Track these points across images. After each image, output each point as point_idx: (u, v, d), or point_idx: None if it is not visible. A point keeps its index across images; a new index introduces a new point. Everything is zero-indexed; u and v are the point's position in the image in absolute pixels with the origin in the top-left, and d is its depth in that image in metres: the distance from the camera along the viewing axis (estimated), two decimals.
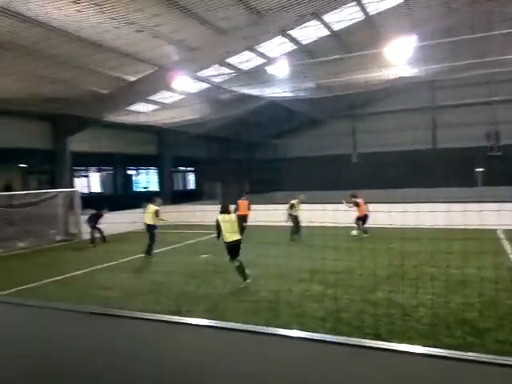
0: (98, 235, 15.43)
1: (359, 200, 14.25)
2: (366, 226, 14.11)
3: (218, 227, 8.67)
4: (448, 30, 14.60)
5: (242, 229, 9.15)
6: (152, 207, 12.55)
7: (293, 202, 14.41)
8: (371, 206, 13.97)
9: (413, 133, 27.43)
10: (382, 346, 3.24)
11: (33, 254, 14.47)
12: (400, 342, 3.50)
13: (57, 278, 10.01)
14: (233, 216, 8.91)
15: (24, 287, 9.27)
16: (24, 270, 11.31)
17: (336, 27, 14.90)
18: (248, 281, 8.31)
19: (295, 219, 14.22)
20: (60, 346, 4.64)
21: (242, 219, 11.84)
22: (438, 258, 8.48)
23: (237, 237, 8.58)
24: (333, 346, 3.33)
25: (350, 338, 3.34)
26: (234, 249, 8.48)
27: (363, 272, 7.86)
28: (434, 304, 6.68)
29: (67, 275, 10.29)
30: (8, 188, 17.86)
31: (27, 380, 4.85)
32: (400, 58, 13.78)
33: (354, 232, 13.96)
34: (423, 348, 3.13)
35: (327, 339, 3.41)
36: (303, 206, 14.32)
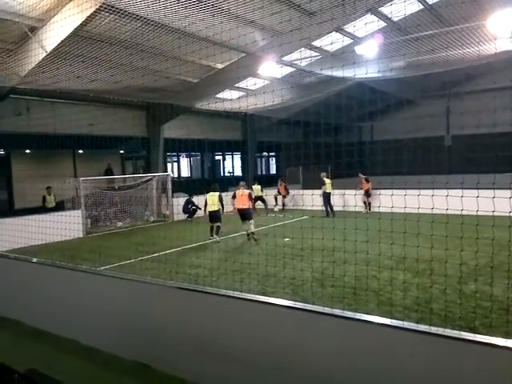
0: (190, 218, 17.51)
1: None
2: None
3: (205, 201, 13.03)
4: None
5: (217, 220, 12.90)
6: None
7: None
8: (468, 192, 13.13)
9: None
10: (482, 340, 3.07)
11: (130, 233, 15.74)
12: (497, 336, 3.29)
13: (152, 256, 10.82)
14: (216, 193, 12.84)
15: (122, 263, 10.17)
16: (123, 248, 12.37)
17: (431, 0, 13.88)
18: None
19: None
20: (153, 315, 5.05)
21: (242, 212, 12.85)
22: None
23: (214, 208, 12.71)
24: (413, 334, 3.23)
25: (441, 329, 3.22)
26: (213, 215, 12.77)
27: (455, 262, 7.41)
28: None
29: (161, 253, 11.07)
30: (109, 172, 19.54)
31: (130, 338, 5.27)
32: (504, 30, 12.50)
33: None
34: None
35: (407, 327, 3.32)
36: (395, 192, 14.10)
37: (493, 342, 3.02)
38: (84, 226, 15.51)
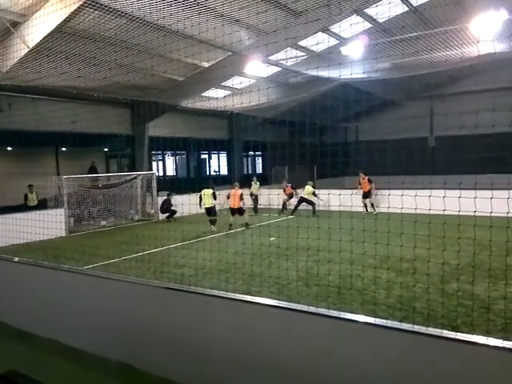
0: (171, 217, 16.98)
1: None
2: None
3: (200, 197, 14.30)
4: None
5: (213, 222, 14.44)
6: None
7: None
8: (452, 192, 13.40)
9: (497, 114, 25.26)
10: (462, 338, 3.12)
11: (114, 232, 15.58)
12: (478, 334, 3.35)
13: (136, 255, 10.72)
14: (210, 191, 14.36)
15: (106, 262, 10.06)
16: (107, 247, 12.24)
17: (416, 2, 14.05)
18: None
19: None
20: (138, 316, 5.00)
21: (234, 211, 14.84)
22: None
23: (209, 205, 14.32)
24: (404, 334, 3.28)
25: (426, 328, 3.26)
26: (209, 211, 14.36)
27: (437, 261, 7.52)
28: None
29: (145, 252, 10.99)
30: (93, 170, 19.30)
31: (115, 339, 5.24)
32: (487, 33, 12.74)
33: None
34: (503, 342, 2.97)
35: (391, 325, 3.36)
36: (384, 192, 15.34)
37: (474, 340, 3.07)
38: (67, 225, 15.29)
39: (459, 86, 26.91)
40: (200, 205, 14.34)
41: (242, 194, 14.89)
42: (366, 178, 17.63)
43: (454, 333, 3.22)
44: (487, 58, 16.36)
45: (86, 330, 5.38)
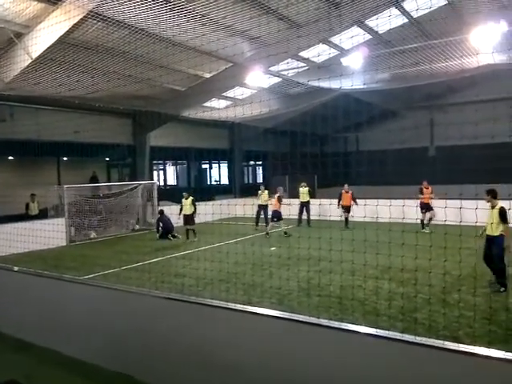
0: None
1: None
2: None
3: (181, 205, 15.06)
4: None
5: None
6: None
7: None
8: (451, 202, 13.36)
9: (497, 125, 25.34)
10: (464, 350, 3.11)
11: (114, 242, 15.55)
12: (479, 345, 3.33)
13: (136, 265, 10.70)
14: (188, 200, 14.87)
15: (107, 272, 10.04)
16: (107, 256, 12.21)
17: (416, 14, 14.19)
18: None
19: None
20: (138, 326, 4.98)
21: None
22: None
23: (189, 212, 14.72)
24: (399, 344, 3.26)
25: (420, 338, 3.25)
26: (188, 218, 14.76)
27: (438, 271, 7.51)
28: None
29: (145, 262, 10.96)
30: (94, 179, 19.33)
31: (110, 344, 5.21)
32: (486, 44, 12.84)
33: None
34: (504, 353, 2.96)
35: (393, 337, 3.35)
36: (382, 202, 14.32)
37: (476, 352, 3.06)
38: (67, 235, 15.27)
39: (459, 96, 27.03)
40: (180, 213, 14.95)
41: (279, 197, 15.51)
42: (350, 192, 16.44)
43: (457, 344, 3.20)
44: (487, 68, 16.47)
45: (85, 341, 5.36)
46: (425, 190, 15.23)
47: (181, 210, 14.98)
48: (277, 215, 15.26)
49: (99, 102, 16.53)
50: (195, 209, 14.78)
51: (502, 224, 7.35)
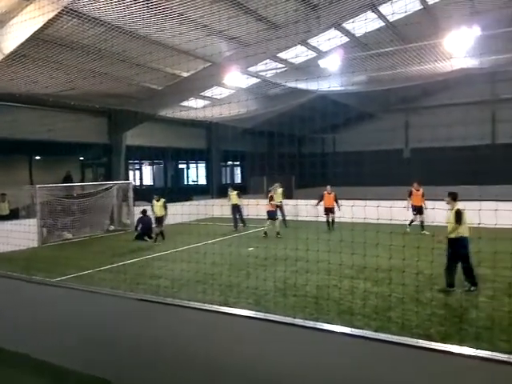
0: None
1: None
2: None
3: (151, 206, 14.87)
4: None
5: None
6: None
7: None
8: (428, 203, 13.52)
9: (469, 128, 26.09)
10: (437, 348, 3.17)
11: (88, 243, 15.25)
12: (451, 343, 3.40)
13: (111, 266, 10.51)
14: (160, 202, 14.68)
15: (81, 273, 9.82)
16: (81, 258, 11.96)
17: (392, 18, 14.43)
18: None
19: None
20: (113, 329, 4.88)
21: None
22: (496, 258, 8.05)
23: (160, 214, 14.59)
24: (381, 344, 3.30)
25: (395, 337, 3.29)
26: (158, 219, 14.59)
27: (412, 271, 7.65)
28: (488, 306, 6.39)
29: (120, 263, 10.78)
30: (68, 179, 18.89)
31: (84, 347, 5.05)
32: (459, 49, 13.17)
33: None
34: (475, 350, 3.03)
35: (367, 335, 3.38)
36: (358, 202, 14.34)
37: (448, 350, 3.11)
38: (39, 235, 14.88)
39: (433, 99, 27.65)
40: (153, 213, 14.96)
41: (271, 197, 15.74)
42: (333, 194, 16.14)
43: (429, 342, 3.25)
44: (460, 73, 16.90)
45: (56, 343, 5.21)
46: (415, 191, 15.18)
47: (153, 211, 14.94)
48: (271, 215, 15.16)
49: (74, 101, 16.17)
50: (166, 211, 14.63)
51: (455, 224, 7.50)
